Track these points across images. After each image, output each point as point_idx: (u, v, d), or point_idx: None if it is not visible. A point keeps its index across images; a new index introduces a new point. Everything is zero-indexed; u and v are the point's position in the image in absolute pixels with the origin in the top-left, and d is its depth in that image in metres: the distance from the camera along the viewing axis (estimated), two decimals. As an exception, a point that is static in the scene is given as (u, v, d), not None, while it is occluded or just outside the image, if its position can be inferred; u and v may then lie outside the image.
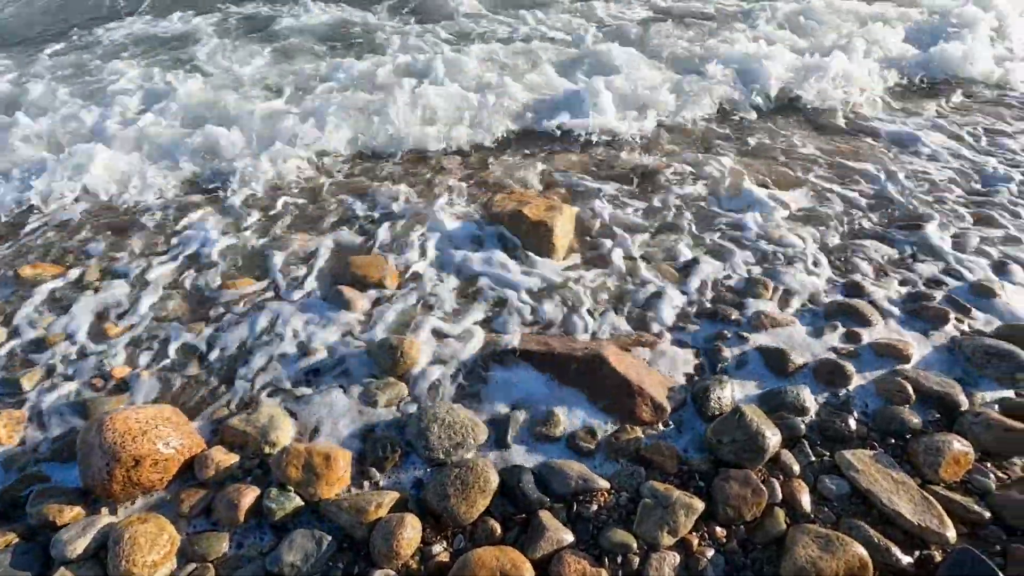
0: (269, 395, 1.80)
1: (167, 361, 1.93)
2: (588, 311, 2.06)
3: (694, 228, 2.50)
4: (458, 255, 2.32)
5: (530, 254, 2.30)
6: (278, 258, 2.34)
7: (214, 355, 1.94)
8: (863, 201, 2.65)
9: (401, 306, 2.12)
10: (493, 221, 2.49)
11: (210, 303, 2.16)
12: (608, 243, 2.39)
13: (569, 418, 1.68)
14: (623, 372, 1.73)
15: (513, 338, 1.92)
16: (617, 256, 2.31)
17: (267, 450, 1.59)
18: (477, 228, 2.47)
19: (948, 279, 2.21)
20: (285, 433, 1.64)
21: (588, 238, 2.45)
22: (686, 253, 2.34)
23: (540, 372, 1.80)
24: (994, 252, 2.33)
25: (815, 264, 2.29)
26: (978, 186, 2.74)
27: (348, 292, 2.13)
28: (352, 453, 1.59)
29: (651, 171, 2.87)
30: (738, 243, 2.41)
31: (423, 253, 2.36)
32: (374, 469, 1.55)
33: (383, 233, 2.49)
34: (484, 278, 2.20)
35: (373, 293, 2.17)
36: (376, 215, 2.62)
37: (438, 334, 1.99)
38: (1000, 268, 2.26)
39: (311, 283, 2.23)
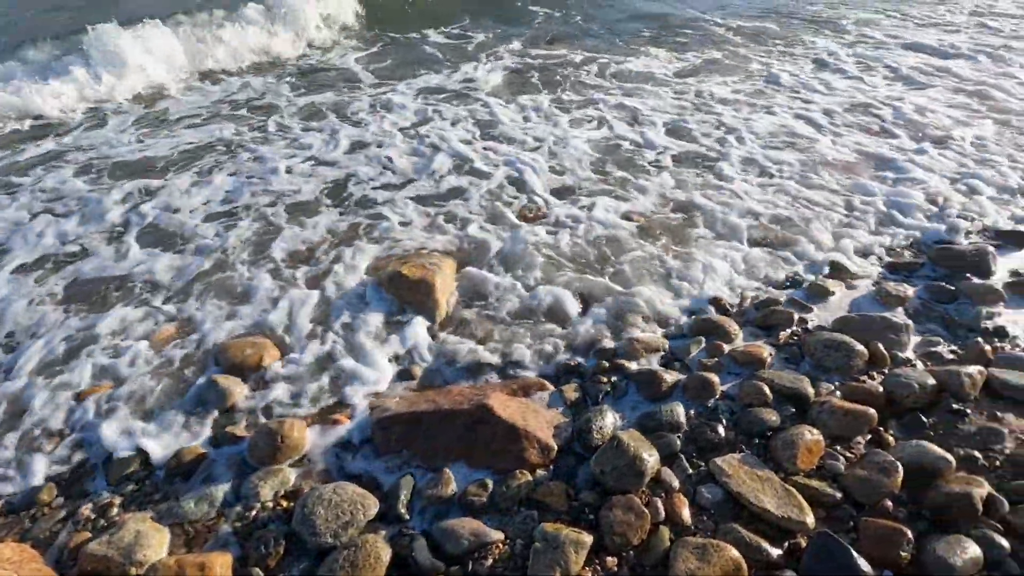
0: (138, 508, 1.66)
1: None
2: (469, 361, 2.10)
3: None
4: (343, 325, 2.29)
5: (412, 315, 2.32)
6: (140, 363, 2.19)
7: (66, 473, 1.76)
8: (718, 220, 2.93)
9: (283, 386, 2.05)
10: (378, 284, 2.49)
11: (65, 417, 1.97)
12: (491, 290, 2.47)
13: (459, 475, 1.68)
14: (509, 418, 1.77)
15: (399, 403, 1.91)
16: (496, 308, 2.39)
17: (133, 572, 1.45)
18: (361, 294, 2.46)
19: (791, 286, 2.48)
20: (155, 548, 1.51)
21: (474, 286, 2.50)
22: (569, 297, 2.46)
23: (428, 430, 1.79)
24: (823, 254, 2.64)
25: (682, 284, 2.49)
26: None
27: (224, 381, 2.03)
28: (232, 555, 1.49)
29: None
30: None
31: (309, 326, 2.31)
32: (257, 569, 1.46)
33: (264, 306, 2.42)
34: (359, 348, 2.19)
35: (254, 377, 2.08)
36: (255, 294, 2.54)
37: (323, 411, 1.95)
38: (836, 270, 2.56)
39: (182, 386, 2.10)
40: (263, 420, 1.91)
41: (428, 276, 2.40)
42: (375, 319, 2.31)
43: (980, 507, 1.50)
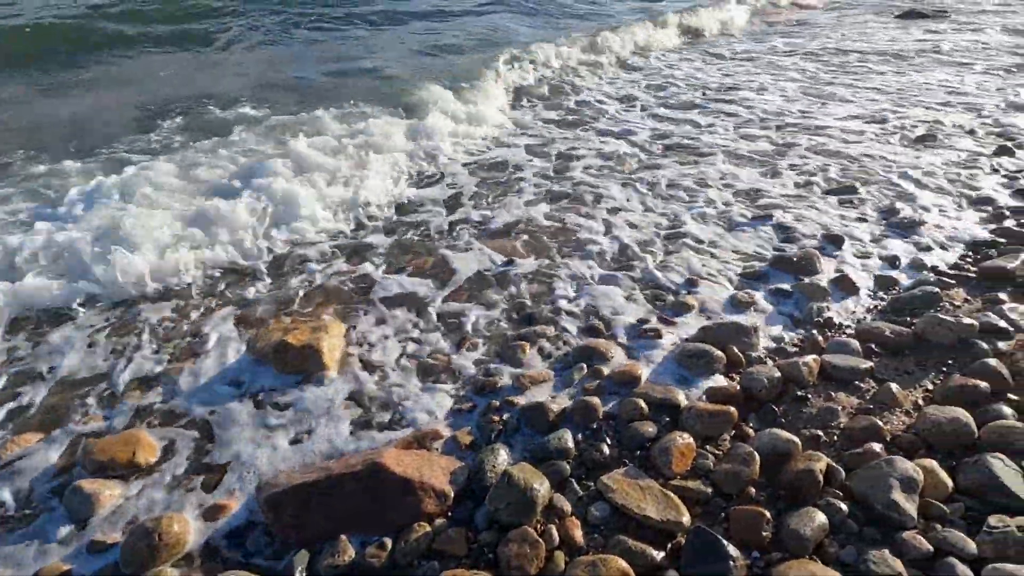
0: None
1: None
2: (361, 422, 2.10)
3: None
4: (223, 405, 2.20)
5: (299, 383, 2.28)
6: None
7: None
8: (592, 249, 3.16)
9: (161, 480, 1.92)
10: (258, 358, 2.42)
11: None
12: (379, 348, 2.48)
13: (356, 539, 1.66)
14: (403, 473, 1.78)
15: (288, 477, 1.86)
16: (386, 363, 2.41)
17: None
18: (239, 371, 2.38)
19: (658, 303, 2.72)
20: None
21: (360, 345, 2.50)
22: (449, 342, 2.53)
23: (321, 499, 1.76)
24: (684, 273, 2.93)
25: (562, 317, 2.65)
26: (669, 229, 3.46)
27: (90, 486, 1.87)
28: None
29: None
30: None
31: (182, 414, 2.19)
32: None
33: (134, 400, 2.26)
34: (243, 427, 2.11)
35: (126, 476, 1.93)
36: (121, 386, 2.37)
37: (206, 500, 1.85)
38: (691, 284, 2.85)
39: (42, 495, 1.90)
40: (140, 520, 1.78)
41: (314, 341, 2.37)
42: (258, 394, 2.24)
43: (821, 479, 1.72)
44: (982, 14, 8.52)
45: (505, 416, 2.10)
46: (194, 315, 2.73)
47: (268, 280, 2.98)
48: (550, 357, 2.41)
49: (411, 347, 2.49)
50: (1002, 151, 4.10)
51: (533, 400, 2.15)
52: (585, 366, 2.32)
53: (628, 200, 3.70)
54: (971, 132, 4.47)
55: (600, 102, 5.62)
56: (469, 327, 2.59)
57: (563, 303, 2.72)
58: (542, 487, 1.72)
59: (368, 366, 2.39)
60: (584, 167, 4.18)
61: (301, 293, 2.87)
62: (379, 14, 9.19)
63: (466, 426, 2.07)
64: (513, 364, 2.36)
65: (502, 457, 1.88)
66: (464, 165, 4.29)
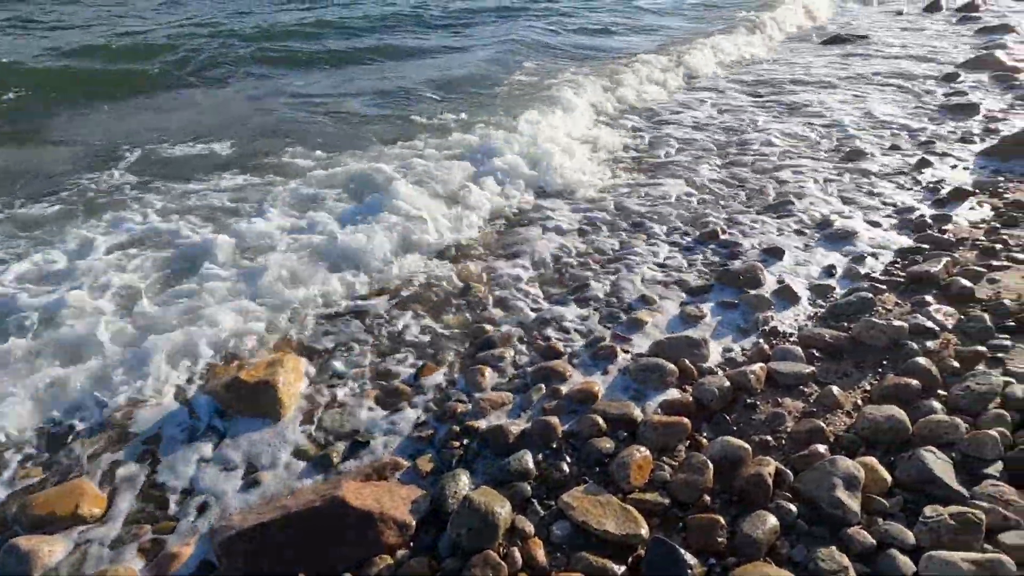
0: None
1: None
2: (319, 456, 2.07)
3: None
4: (169, 454, 2.12)
5: (255, 421, 2.23)
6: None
7: None
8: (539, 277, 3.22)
9: (108, 532, 1.84)
10: (214, 397, 2.36)
11: None
12: (339, 378, 2.46)
13: (316, 577, 1.62)
14: (363, 506, 1.76)
15: (244, 517, 1.81)
16: (345, 393, 2.39)
17: None
18: (193, 412, 2.31)
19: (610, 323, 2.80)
20: None
21: (320, 377, 2.47)
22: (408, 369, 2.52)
23: (280, 538, 1.71)
24: (636, 291, 3.02)
25: (519, 341, 2.68)
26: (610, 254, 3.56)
27: (28, 543, 1.77)
28: None
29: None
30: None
31: (130, 460, 2.10)
32: None
33: (78, 449, 2.16)
34: (196, 470, 2.05)
35: (69, 530, 1.84)
36: (63, 432, 2.26)
37: (158, 548, 1.77)
38: (644, 301, 2.94)
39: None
40: (84, 576, 1.69)
41: (269, 377, 2.33)
42: (212, 434, 2.18)
43: (771, 483, 1.79)
44: (897, 41, 9.22)
45: (466, 441, 2.10)
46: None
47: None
48: (510, 379, 2.44)
49: (371, 375, 2.48)
50: (923, 164, 4.42)
51: (493, 423, 2.16)
52: (543, 386, 2.35)
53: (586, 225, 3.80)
54: (895, 148, 4.80)
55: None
56: (429, 352, 2.60)
57: (519, 328, 2.76)
58: (504, 510, 1.73)
59: (327, 398, 2.36)
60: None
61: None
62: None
63: (427, 453, 2.06)
64: (473, 388, 2.37)
65: (463, 482, 1.88)
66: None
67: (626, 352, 2.56)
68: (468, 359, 2.56)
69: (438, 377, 2.45)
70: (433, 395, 2.35)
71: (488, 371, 2.46)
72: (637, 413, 2.16)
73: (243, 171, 4.54)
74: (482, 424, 2.16)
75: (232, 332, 2.64)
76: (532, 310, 2.90)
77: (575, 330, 2.74)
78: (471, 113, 5.81)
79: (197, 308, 2.79)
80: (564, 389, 2.33)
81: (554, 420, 2.13)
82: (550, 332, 2.73)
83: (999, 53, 7.28)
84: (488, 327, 2.76)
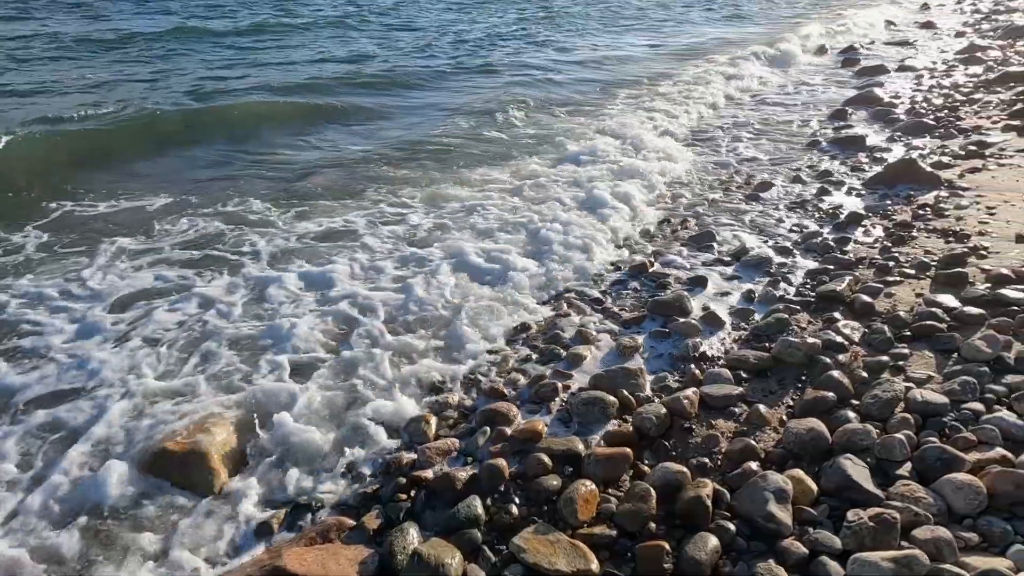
0: None
1: None
2: (258, 523, 1.98)
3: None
4: (91, 536, 1.97)
5: (185, 494, 2.10)
6: None
7: None
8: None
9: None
10: (141, 471, 2.21)
11: None
12: (274, 437, 2.36)
13: (258, 656, 1.54)
14: (307, 573, 1.69)
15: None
16: (284, 453, 2.30)
17: None
18: (119, 488, 2.15)
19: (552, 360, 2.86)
20: None
21: (255, 436, 2.37)
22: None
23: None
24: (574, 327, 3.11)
25: (462, 386, 2.69)
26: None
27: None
28: None
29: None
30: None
31: (46, 548, 1.93)
32: None
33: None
34: (120, 554, 1.91)
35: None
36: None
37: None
38: (582, 336, 3.03)
39: None
40: None
41: (198, 444, 2.22)
42: (138, 511, 2.04)
43: (709, 504, 1.86)
44: (791, 81, 10.22)
45: (413, 492, 2.07)
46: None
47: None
48: (455, 425, 2.44)
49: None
50: (822, 192, 4.86)
51: (440, 472, 2.14)
52: (488, 429, 2.36)
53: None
54: (798, 179, 5.26)
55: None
56: (370, 411, 2.55)
57: (463, 368, 2.78)
58: (454, 560, 1.71)
59: (264, 460, 2.26)
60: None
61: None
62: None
63: (373, 510, 2.01)
64: (419, 438, 2.35)
65: (412, 536, 1.85)
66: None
67: (567, 388, 2.62)
68: (414, 407, 2.54)
69: (384, 427, 2.42)
70: (379, 448, 2.31)
71: (433, 419, 2.45)
72: (581, 447, 2.21)
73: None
74: (429, 474, 2.14)
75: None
76: (473, 355, 2.92)
77: (517, 370, 2.78)
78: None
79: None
80: (509, 430, 2.35)
81: (501, 463, 2.14)
82: (494, 374, 2.76)
83: (877, 91, 8.18)
84: (433, 374, 2.76)
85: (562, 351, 2.90)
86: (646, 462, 2.17)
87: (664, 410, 2.35)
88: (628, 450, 2.15)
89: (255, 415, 2.47)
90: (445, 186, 5.08)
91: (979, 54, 11.04)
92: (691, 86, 9.13)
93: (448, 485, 2.06)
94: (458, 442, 2.32)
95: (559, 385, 2.61)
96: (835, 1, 21.86)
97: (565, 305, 3.32)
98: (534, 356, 2.88)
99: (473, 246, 3.91)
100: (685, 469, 2.04)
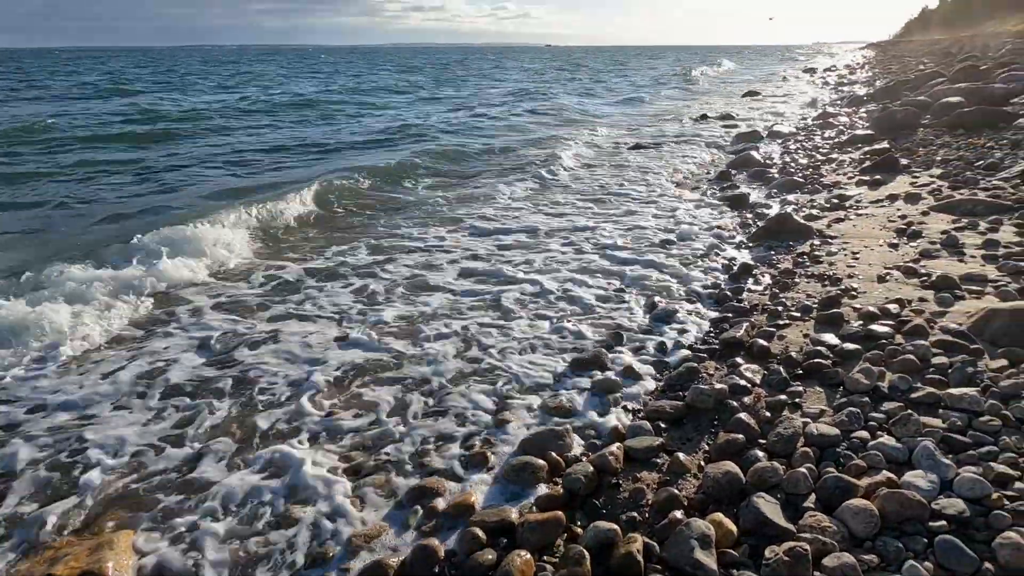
0: None
1: None
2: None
3: (276, 484, 2.53)
4: None
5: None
6: None
7: None
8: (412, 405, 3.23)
9: None
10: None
11: None
12: (180, 545, 2.17)
13: None
14: None
15: None
16: (193, 563, 2.11)
17: None
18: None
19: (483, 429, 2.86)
20: None
21: (157, 547, 2.15)
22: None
23: None
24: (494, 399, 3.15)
25: (389, 463, 2.62)
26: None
27: None
28: None
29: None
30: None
31: None
32: None
33: None
34: None
35: None
36: None
37: None
38: (508, 401, 3.07)
39: None
40: None
41: (94, 565, 1.99)
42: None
43: (641, 559, 1.91)
44: (678, 147, 11.32)
45: (341, 587, 1.96)
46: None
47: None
48: (383, 506, 2.35)
49: (221, 530, 2.22)
50: (716, 247, 5.34)
51: (369, 561, 2.05)
52: (419, 507, 2.30)
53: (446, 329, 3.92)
54: (692, 235, 5.75)
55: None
56: (281, 505, 2.40)
57: (390, 448, 2.71)
58: (389, 656, 1.62)
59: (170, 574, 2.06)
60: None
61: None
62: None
63: (299, 612, 1.88)
64: (345, 522, 2.24)
65: (342, 636, 1.74)
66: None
67: (497, 455, 2.62)
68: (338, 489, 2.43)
69: (306, 514, 2.29)
70: (300, 541, 2.17)
71: (360, 501, 2.35)
72: (514, 516, 2.20)
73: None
74: (357, 564, 2.04)
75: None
76: (401, 427, 2.87)
77: (446, 442, 2.75)
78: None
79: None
80: (441, 505, 2.30)
81: (434, 543, 2.08)
82: (422, 447, 2.71)
83: (754, 154, 9.22)
84: (357, 453, 2.67)
85: (490, 416, 2.92)
86: (578, 523, 2.19)
87: (591, 468, 2.41)
88: (560, 513, 2.17)
89: (161, 522, 2.25)
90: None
91: (831, 119, 12.80)
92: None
93: (379, 573, 1.97)
94: (387, 525, 2.24)
95: (488, 453, 2.61)
96: (709, 87, 24.91)
97: (487, 370, 3.37)
98: (463, 424, 2.87)
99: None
100: (615, 526, 2.08)
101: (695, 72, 35.23)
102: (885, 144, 8.85)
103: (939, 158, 7.56)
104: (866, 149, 8.80)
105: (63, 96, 21.73)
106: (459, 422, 2.91)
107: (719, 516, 2.08)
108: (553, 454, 2.54)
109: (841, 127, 11.56)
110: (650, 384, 3.18)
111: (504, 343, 3.70)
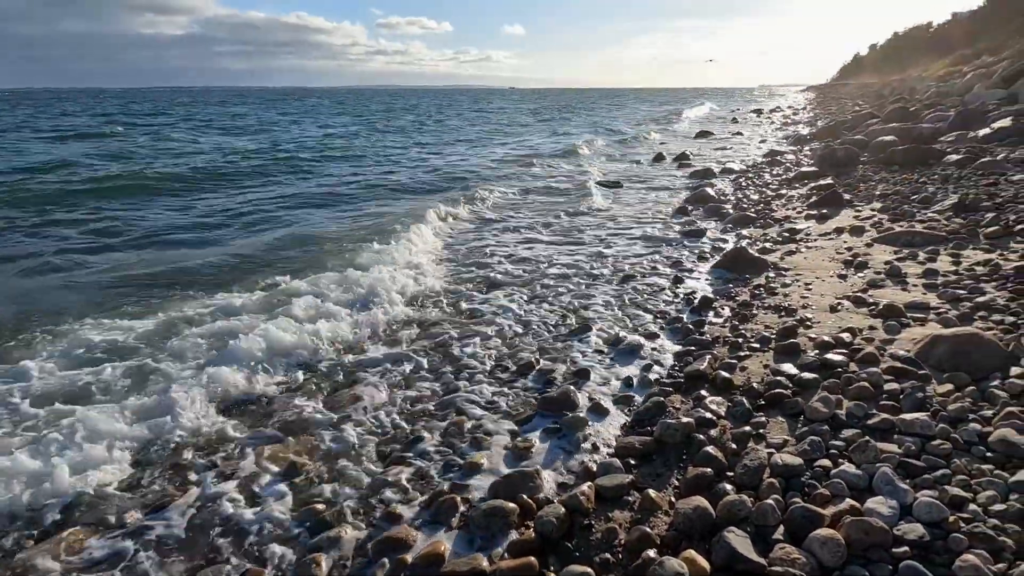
0: None
1: None
2: None
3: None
4: None
5: None
6: None
7: None
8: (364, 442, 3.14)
9: None
10: None
11: None
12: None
13: None
14: None
15: None
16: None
17: None
18: None
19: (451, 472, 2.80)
20: None
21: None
22: None
23: None
24: (466, 435, 3.10)
25: (353, 515, 2.52)
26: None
27: None
28: None
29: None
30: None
31: None
32: None
33: None
34: None
35: None
36: None
37: None
38: (476, 443, 3.02)
39: None
40: None
41: None
42: None
43: (615, 601, 1.88)
44: (641, 184, 11.72)
45: (304, 652, 1.85)
46: None
47: None
48: (347, 565, 2.25)
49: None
50: (677, 281, 5.48)
51: (335, 621, 1.95)
52: (387, 561, 2.22)
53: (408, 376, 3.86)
54: (655, 270, 5.90)
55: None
56: (253, 552, 2.29)
57: (352, 502, 2.61)
58: None
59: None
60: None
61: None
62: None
63: None
64: (307, 586, 2.13)
65: None
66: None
67: (466, 500, 2.56)
68: (301, 550, 2.32)
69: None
70: (260, 607, 2.06)
71: (323, 559, 2.25)
72: (485, 565, 2.14)
73: None
74: (322, 625, 1.93)
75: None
76: (366, 476, 2.78)
77: (414, 488, 2.68)
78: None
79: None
80: (410, 557, 2.22)
81: (402, 597, 2.00)
82: (389, 494, 2.63)
83: (708, 190, 9.61)
84: (319, 506, 2.56)
85: (458, 459, 2.86)
86: (551, 568, 2.15)
87: (563, 510, 2.37)
88: (532, 559, 2.13)
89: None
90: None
91: (779, 157, 13.49)
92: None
93: (344, 635, 1.87)
94: (354, 581, 2.14)
95: (458, 499, 2.55)
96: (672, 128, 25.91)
97: (454, 413, 3.32)
98: (431, 469, 2.81)
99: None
100: (589, 569, 2.05)
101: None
102: (829, 180, 9.37)
103: (878, 192, 8.04)
104: (812, 185, 9.29)
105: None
106: (430, 461, 2.85)
107: (691, 553, 2.07)
108: (524, 496, 2.50)
109: (788, 164, 12.20)
110: (619, 420, 3.20)
111: (467, 385, 3.66)
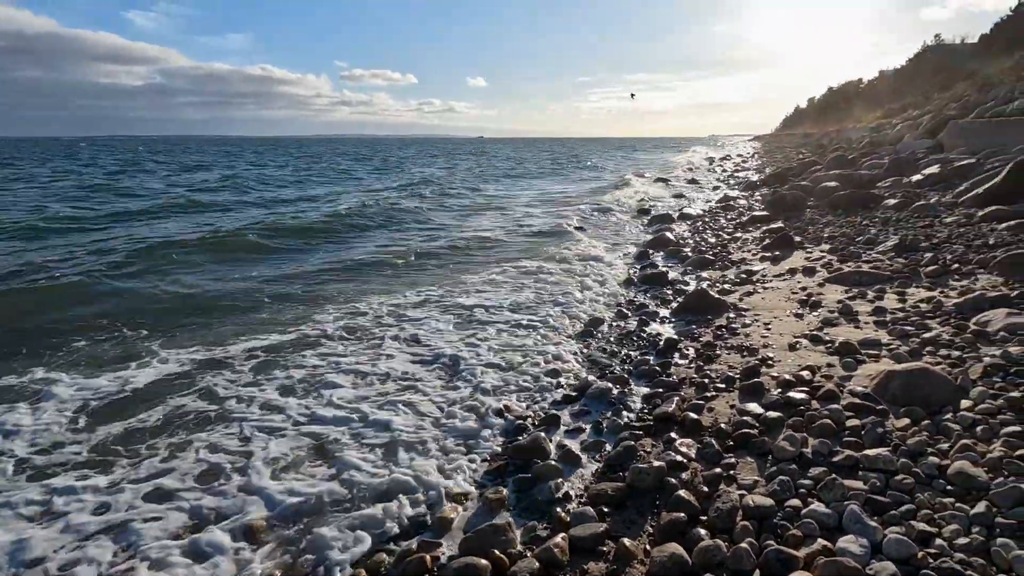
0: None
1: None
2: None
3: None
4: None
5: None
6: None
7: None
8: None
9: None
10: None
11: None
12: None
13: None
14: None
15: None
16: None
17: None
18: None
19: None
20: None
21: None
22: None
23: None
24: (436, 487, 3.00)
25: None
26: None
27: None
28: None
29: None
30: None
31: None
32: None
33: None
34: None
35: None
36: None
37: None
38: (446, 495, 2.92)
39: None
40: None
41: None
42: None
43: (594, 661, 1.80)
44: (605, 231, 12.02)
45: None
46: None
47: None
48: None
49: None
50: (643, 324, 5.56)
51: None
52: (352, 630, 2.08)
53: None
54: (622, 315, 5.98)
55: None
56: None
57: (323, 569, 2.47)
58: None
59: None
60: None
61: None
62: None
63: None
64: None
65: None
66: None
67: (437, 559, 2.45)
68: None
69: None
70: None
71: (283, 632, 2.10)
72: (458, 628, 2.03)
73: None
74: None
75: None
76: (333, 532, 2.63)
77: (381, 545, 2.55)
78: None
79: None
80: (376, 625, 2.09)
81: (368, 670, 1.87)
82: (356, 551, 2.49)
83: (668, 234, 9.93)
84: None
85: (428, 513, 2.75)
86: (527, 628, 2.05)
87: (537, 564, 2.30)
88: (507, 619, 2.03)
89: None
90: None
91: (732, 202, 14.11)
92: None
93: None
94: (316, 656, 1.99)
95: (427, 557, 2.44)
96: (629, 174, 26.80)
97: (422, 461, 3.21)
98: (398, 524, 2.69)
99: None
100: (566, 627, 1.97)
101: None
102: (780, 223, 9.83)
103: (826, 235, 8.47)
104: (764, 228, 9.72)
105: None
106: (398, 516, 2.73)
107: (669, 604, 2.02)
108: (496, 552, 2.41)
109: (741, 209, 12.77)
110: (590, 466, 3.15)
111: (431, 432, 3.57)
